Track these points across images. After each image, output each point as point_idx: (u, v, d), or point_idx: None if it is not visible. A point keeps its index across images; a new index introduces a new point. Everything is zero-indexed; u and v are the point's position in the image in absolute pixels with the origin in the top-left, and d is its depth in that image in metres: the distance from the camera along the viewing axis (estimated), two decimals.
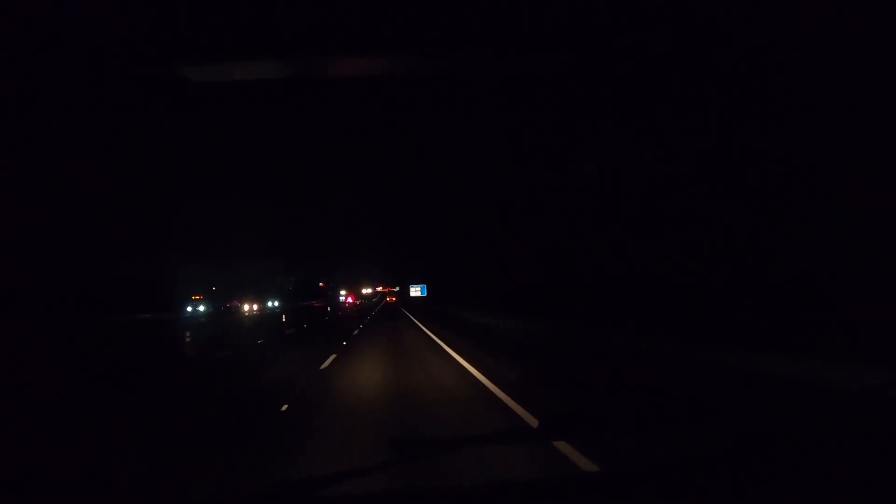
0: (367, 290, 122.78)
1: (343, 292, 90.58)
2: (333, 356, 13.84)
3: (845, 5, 5.67)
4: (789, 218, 7.79)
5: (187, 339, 22.39)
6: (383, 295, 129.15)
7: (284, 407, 7.70)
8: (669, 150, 11.31)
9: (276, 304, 67.58)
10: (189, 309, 46.51)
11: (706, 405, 6.50)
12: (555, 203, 19.32)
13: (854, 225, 6.48)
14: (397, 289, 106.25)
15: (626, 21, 6.75)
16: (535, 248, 20.92)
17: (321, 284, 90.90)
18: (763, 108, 7.84)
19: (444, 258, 50.25)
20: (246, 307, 61.27)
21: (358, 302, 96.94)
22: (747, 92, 7.94)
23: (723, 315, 8.41)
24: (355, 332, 23.56)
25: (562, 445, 5.05)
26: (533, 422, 6.32)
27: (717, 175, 9.31)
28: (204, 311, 48.96)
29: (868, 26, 5.62)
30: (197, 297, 52.14)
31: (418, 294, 74.10)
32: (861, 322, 5.86)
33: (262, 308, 62.78)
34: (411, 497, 3.02)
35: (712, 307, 9.07)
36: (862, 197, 6.43)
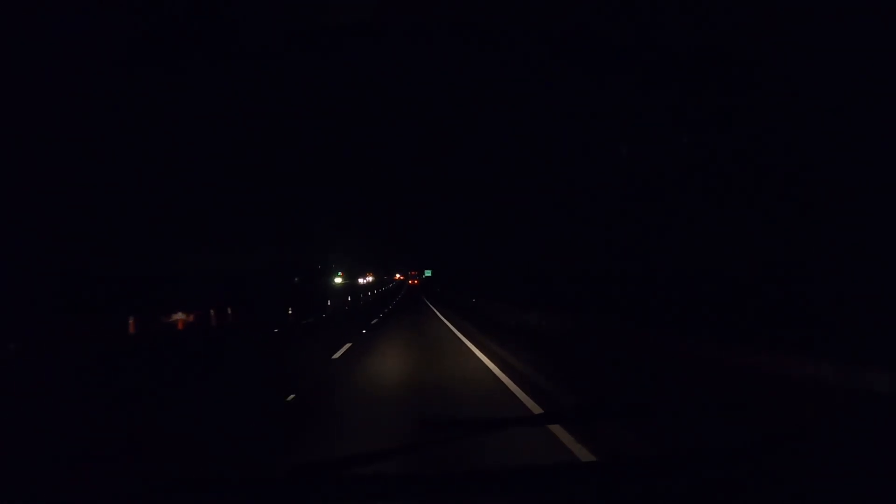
0: (365, 280, 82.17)
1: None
2: None
3: None
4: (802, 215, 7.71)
5: None
6: (400, 284, 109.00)
7: None
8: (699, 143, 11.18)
9: None
10: None
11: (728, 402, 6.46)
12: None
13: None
14: (429, 274, 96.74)
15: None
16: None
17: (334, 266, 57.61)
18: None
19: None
20: None
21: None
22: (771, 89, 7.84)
23: (753, 311, 8.25)
24: None
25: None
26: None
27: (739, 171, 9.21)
28: None
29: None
30: None
31: None
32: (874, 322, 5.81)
33: None
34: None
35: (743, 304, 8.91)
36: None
